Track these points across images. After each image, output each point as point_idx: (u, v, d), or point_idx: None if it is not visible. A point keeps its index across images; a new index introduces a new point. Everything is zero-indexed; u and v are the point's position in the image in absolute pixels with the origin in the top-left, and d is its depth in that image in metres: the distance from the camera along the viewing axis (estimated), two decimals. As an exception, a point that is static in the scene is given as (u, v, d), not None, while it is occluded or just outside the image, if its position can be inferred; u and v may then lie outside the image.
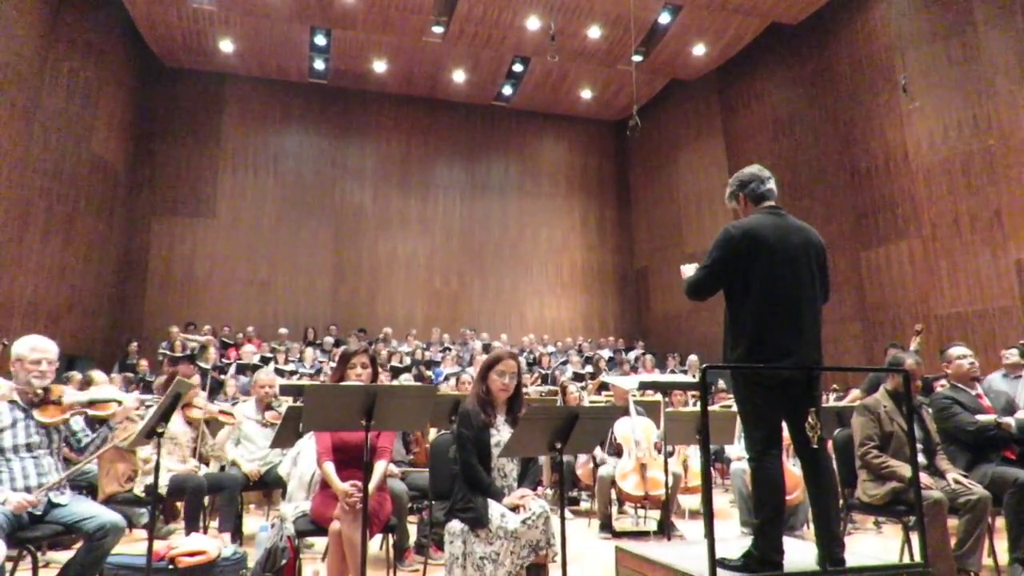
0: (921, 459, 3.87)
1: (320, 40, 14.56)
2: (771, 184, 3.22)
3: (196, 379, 6.22)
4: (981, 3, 10.44)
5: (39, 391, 3.31)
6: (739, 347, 3.05)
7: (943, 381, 4.95)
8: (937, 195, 10.82)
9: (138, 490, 4.57)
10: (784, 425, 3.18)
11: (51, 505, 3.18)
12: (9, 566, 3.12)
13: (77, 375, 6.77)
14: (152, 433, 3.11)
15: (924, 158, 11.02)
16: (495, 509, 3.06)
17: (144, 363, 10.61)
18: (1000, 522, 4.13)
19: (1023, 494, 3.93)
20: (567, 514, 5.86)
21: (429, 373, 11.53)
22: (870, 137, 12.00)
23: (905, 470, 3.79)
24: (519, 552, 2.99)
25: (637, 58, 14.55)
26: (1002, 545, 4.09)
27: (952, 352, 4.62)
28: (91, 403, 3.48)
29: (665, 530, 5.22)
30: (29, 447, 3.18)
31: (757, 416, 3.09)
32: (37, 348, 3.34)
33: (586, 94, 17.00)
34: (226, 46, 14.47)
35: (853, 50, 12.41)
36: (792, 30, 13.58)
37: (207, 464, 5.52)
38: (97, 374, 6.35)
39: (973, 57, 10.42)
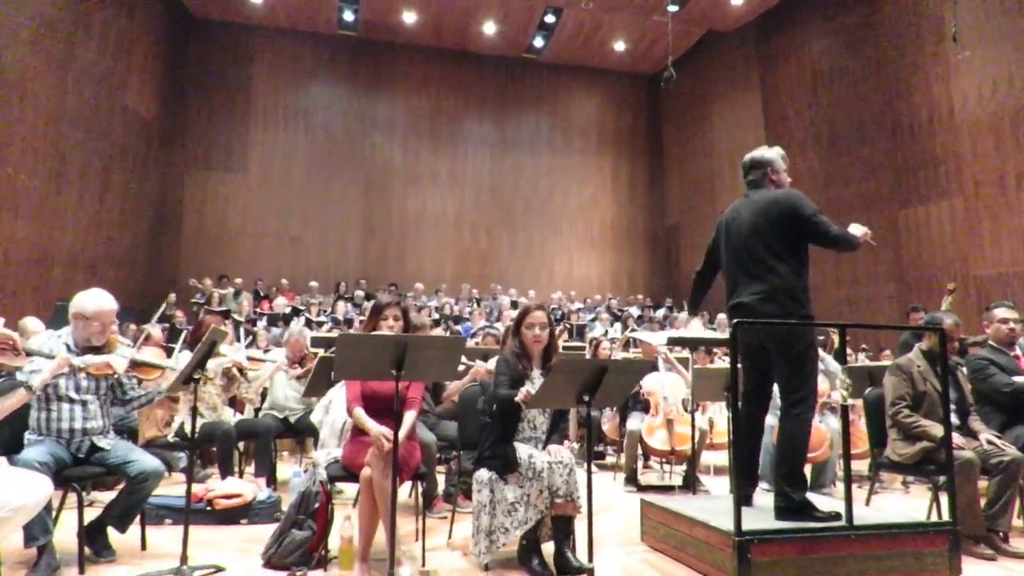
0: (953, 419, 3.82)
1: (349, -10, 14.39)
2: (753, 175, 3.60)
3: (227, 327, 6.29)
4: (1039, -53, 9.88)
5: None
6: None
7: (978, 348, 4.82)
8: (983, 152, 10.43)
9: (170, 436, 4.71)
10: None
11: (94, 448, 3.30)
12: (56, 504, 3.24)
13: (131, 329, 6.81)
14: (189, 380, 3.18)
15: (971, 113, 10.60)
16: (523, 450, 3.13)
17: (180, 314, 10.84)
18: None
19: (1058, 456, 3.87)
20: (592, 468, 5.92)
21: (457, 328, 11.60)
22: (914, 91, 11.55)
23: (936, 430, 3.75)
24: (542, 494, 3.05)
25: (673, 8, 14.11)
26: (1033, 507, 4.05)
27: (996, 313, 4.48)
28: (136, 364, 3.53)
29: (691, 485, 5.25)
30: (78, 389, 3.28)
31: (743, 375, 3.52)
32: (103, 312, 3.32)
33: (619, 46, 16.60)
34: (255, -3, 14.37)
35: (900, -1, 11.87)
36: (836, -22, 13.03)
37: (241, 411, 5.66)
38: (155, 332, 6.34)
39: (1028, 6, 9.90)
